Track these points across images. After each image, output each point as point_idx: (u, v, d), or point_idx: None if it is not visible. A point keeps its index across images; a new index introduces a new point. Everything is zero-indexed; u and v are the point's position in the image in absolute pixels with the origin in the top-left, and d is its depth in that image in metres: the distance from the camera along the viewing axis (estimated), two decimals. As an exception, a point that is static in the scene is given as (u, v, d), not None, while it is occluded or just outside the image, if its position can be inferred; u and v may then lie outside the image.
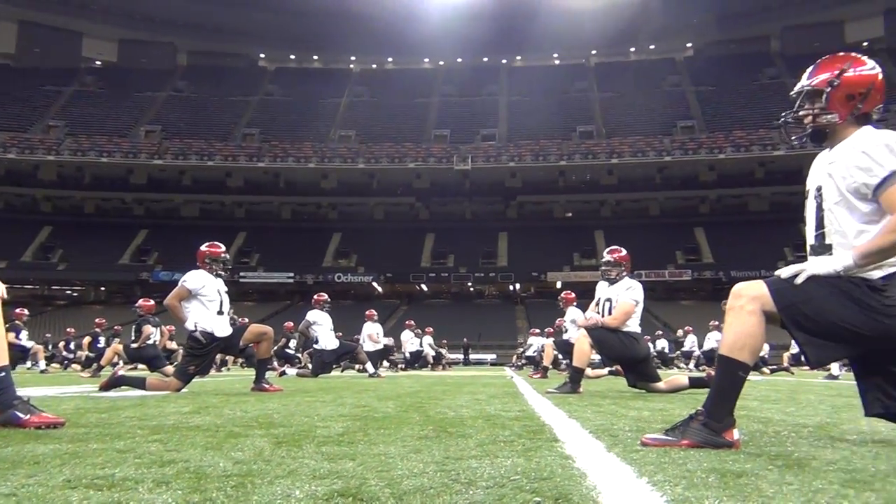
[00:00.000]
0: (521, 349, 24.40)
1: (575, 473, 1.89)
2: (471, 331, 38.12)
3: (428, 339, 21.47)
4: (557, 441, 2.60)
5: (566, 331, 12.39)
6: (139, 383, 6.32)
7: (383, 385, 8.22)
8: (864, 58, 2.70)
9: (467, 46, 60.64)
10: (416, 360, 19.98)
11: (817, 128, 2.68)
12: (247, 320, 14.84)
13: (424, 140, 53.30)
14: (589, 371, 9.95)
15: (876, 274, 2.48)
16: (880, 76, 2.65)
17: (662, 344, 25.35)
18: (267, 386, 6.71)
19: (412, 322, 21.28)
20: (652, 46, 62.12)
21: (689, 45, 62.04)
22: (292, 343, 18.70)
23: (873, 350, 2.51)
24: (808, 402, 5.17)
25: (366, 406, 4.46)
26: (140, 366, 13.01)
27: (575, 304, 12.83)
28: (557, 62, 64.31)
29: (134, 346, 11.84)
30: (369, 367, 12.00)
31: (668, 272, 44.94)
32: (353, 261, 49.51)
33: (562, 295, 13.61)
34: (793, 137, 2.78)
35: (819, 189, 2.65)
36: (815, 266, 2.51)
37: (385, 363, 18.10)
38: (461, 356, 34.10)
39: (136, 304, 12.54)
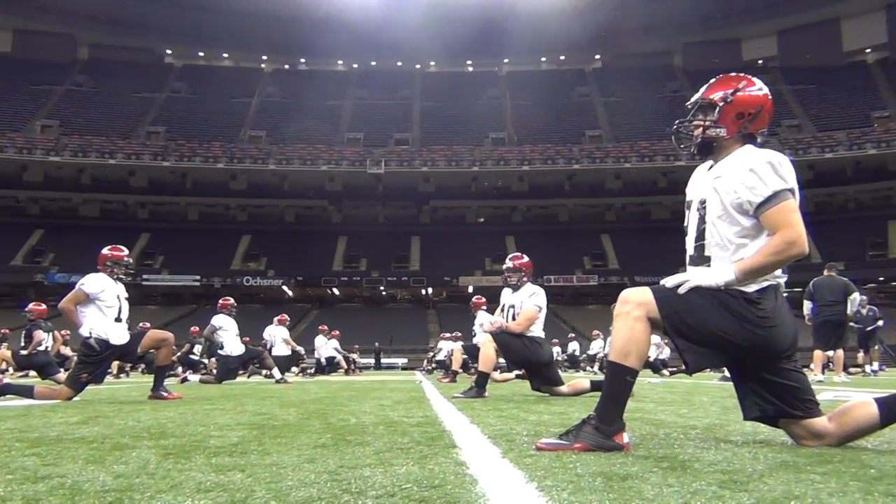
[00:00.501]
0: (432, 353, 24.49)
1: (466, 480, 1.90)
2: (383, 335, 37.99)
3: (334, 344, 21.22)
4: (455, 447, 2.61)
5: (475, 335, 12.51)
6: (27, 392, 6.00)
7: (289, 391, 8.08)
8: (758, 80, 2.83)
9: (382, 50, 60.56)
10: (331, 365, 19.75)
11: (706, 140, 2.78)
12: (149, 325, 14.32)
13: (337, 143, 52.87)
14: (496, 375, 10.07)
15: (752, 287, 2.61)
16: (770, 100, 2.78)
17: (573, 347, 25.97)
18: (165, 394, 6.47)
19: (325, 327, 21.00)
20: (562, 57, 63.65)
21: (597, 57, 63.86)
22: (197, 349, 18.13)
23: (749, 358, 2.64)
24: (701, 403, 5.38)
25: (266, 414, 4.36)
26: (31, 373, 12.34)
27: (484, 308, 12.98)
28: (471, 69, 65.03)
29: (23, 352, 11.24)
30: (276, 372, 11.76)
31: (576, 277, 46.05)
32: (262, 264, 48.54)
33: (473, 300, 13.77)
34: (682, 146, 2.89)
35: (703, 202, 2.76)
36: (699, 277, 2.62)
37: (294, 369, 17.81)
38: (372, 361, 33.91)
39: (27, 308, 11.91)
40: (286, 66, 64.82)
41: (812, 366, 11.62)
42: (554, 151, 49.73)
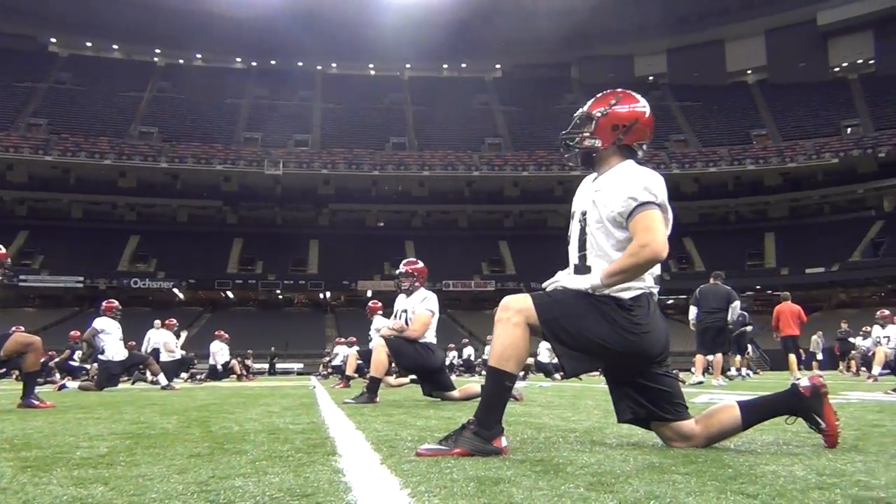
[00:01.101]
0: (328, 359, 24.21)
1: (340, 488, 1.88)
2: (278, 340, 37.25)
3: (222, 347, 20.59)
4: (335, 454, 2.58)
5: (371, 339, 12.45)
6: None
7: (173, 398, 7.79)
8: (638, 96, 2.96)
9: (282, 49, 59.51)
10: (226, 371, 19.16)
11: (583, 150, 2.91)
12: (22, 329, 13.47)
13: (234, 142, 51.50)
14: (391, 380, 10.06)
15: (626, 295, 2.71)
16: (647, 115, 2.91)
17: (469, 351, 26.27)
18: (36, 402, 6.09)
19: (223, 332, 20.36)
20: (464, 65, 64.39)
21: (497, 66, 64.96)
22: (77, 354, 17.20)
23: (623, 363, 2.75)
24: (586, 407, 5.54)
25: (143, 423, 4.18)
26: None
27: (380, 312, 12.94)
28: (373, 72, 64.82)
29: None
30: (162, 378, 11.31)
31: (474, 283, 46.61)
32: (152, 265, 46.61)
33: (369, 304, 13.71)
34: (566, 156, 3.00)
35: (584, 213, 2.86)
36: (568, 280, 2.74)
37: (184, 375, 17.20)
38: (267, 366, 33.19)
39: None
40: (180, 61, 62.61)
41: (693, 368, 12.21)
42: (454, 158, 50.22)
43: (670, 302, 49.01)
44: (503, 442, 2.54)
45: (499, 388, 2.62)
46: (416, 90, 60.26)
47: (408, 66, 63.68)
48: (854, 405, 5.55)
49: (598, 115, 2.88)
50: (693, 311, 11.57)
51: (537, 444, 2.90)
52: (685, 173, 49.12)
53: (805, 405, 2.74)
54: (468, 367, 25.04)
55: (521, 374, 11.44)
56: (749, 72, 59.30)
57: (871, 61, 55.51)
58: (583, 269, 2.82)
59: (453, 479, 1.98)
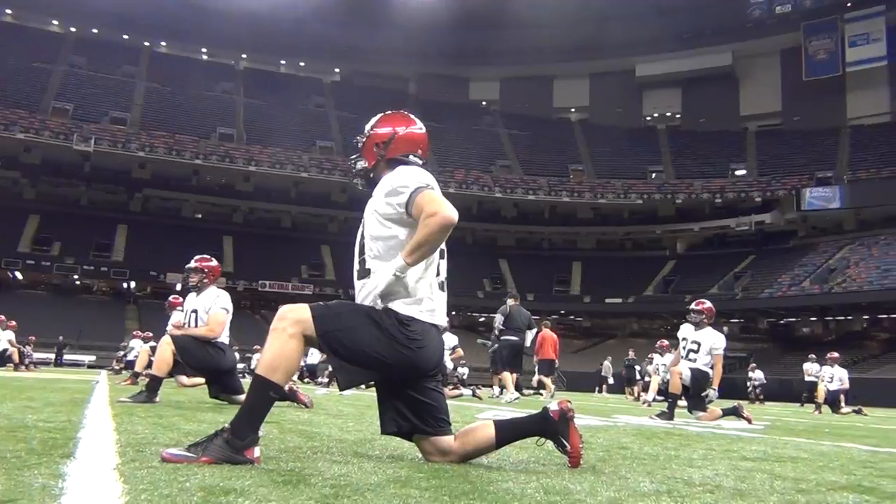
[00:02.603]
0: (122, 352, 22.74)
1: (49, 494, 1.75)
2: (71, 328, 34.39)
3: (9, 335, 18.77)
4: (69, 457, 2.40)
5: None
6: None
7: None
8: (404, 114, 3.12)
9: (106, 18, 55.46)
10: (2, 359, 17.40)
11: (357, 172, 3.07)
12: None
13: (41, 110, 47.14)
14: (185, 379, 9.64)
15: (403, 310, 2.77)
16: (406, 129, 3.05)
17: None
18: None
19: (2, 317, 18.47)
20: (302, 63, 63.26)
21: (337, 70, 64.50)
22: None
23: (396, 376, 2.80)
24: (373, 417, 5.57)
25: None
26: None
27: (180, 308, 12.31)
28: (206, 57, 62.03)
29: None
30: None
31: (292, 285, 45.72)
32: (-74, 236, 41.50)
33: (170, 298, 13.05)
34: (353, 181, 3.11)
35: (363, 222, 2.92)
36: (378, 279, 2.76)
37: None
38: (53, 356, 30.50)
39: None
40: (-14, 15, 56.59)
41: (499, 385, 12.66)
42: (283, 156, 49.13)
43: (482, 319, 50.86)
44: (256, 452, 2.49)
45: (262, 398, 2.58)
46: (251, 82, 58.36)
47: (244, 56, 61.61)
48: (616, 429, 6.01)
49: (363, 139, 3.05)
50: (497, 327, 11.92)
51: (297, 454, 2.87)
52: (507, 198, 51.30)
53: (553, 428, 2.92)
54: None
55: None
56: (573, 110, 63.08)
57: (678, 115, 61.07)
58: (363, 273, 2.86)
59: (183, 489, 1.90)
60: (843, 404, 16.07)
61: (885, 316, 41.66)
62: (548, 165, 54.91)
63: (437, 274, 2.90)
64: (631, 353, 24.25)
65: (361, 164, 3.05)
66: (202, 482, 2.02)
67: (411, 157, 3.02)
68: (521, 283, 44.46)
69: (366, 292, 2.83)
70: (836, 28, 52.33)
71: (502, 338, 11.89)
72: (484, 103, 63.17)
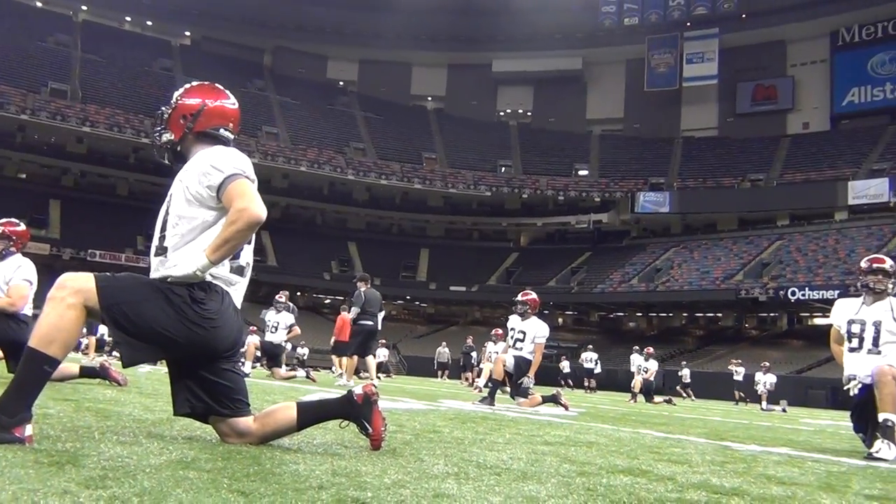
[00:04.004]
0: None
1: None
2: None
3: None
4: None
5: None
6: None
7: None
8: (213, 85, 3.03)
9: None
10: None
11: (162, 145, 2.95)
12: None
13: None
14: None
15: (197, 289, 2.67)
16: (213, 103, 2.96)
17: (103, 330, 24.16)
18: None
19: None
20: (149, 22, 59.55)
21: (188, 33, 61.27)
22: None
23: (188, 356, 2.70)
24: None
25: None
26: None
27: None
28: (39, 4, 56.91)
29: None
30: None
31: (126, 256, 43.07)
32: None
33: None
34: (158, 156, 2.97)
35: (170, 196, 2.80)
36: (175, 272, 2.64)
37: None
38: None
39: None
40: None
41: (341, 369, 12.52)
42: (123, 119, 46.04)
43: (328, 301, 50.42)
44: (27, 431, 2.33)
45: (35, 372, 2.41)
46: (89, 37, 54.11)
47: (83, 7, 57.11)
48: (437, 413, 6.15)
49: (168, 110, 2.93)
50: (354, 312, 11.63)
51: (82, 434, 2.71)
52: (360, 181, 51.02)
53: (356, 411, 2.94)
54: (100, 346, 23.05)
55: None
56: (429, 98, 63.60)
57: (529, 113, 63.16)
58: (161, 250, 2.75)
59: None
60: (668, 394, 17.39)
61: (701, 314, 45.48)
62: (402, 151, 55.14)
63: (237, 258, 2.82)
64: (469, 340, 24.94)
65: (167, 137, 2.92)
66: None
67: (222, 130, 2.93)
68: (369, 267, 44.40)
69: (160, 275, 2.70)
70: (676, 44, 56.09)
71: (359, 322, 11.62)
72: (341, 83, 62.35)
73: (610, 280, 45.10)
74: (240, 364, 2.93)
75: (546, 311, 44.78)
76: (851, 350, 5.07)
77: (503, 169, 55.36)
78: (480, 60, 59.82)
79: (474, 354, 23.49)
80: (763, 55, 54.21)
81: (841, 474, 3.51)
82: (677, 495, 2.43)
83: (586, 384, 26.62)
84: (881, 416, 4.57)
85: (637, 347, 20.23)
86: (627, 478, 2.78)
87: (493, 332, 16.53)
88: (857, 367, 4.98)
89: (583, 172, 54.56)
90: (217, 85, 3.02)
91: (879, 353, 4.88)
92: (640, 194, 49.61)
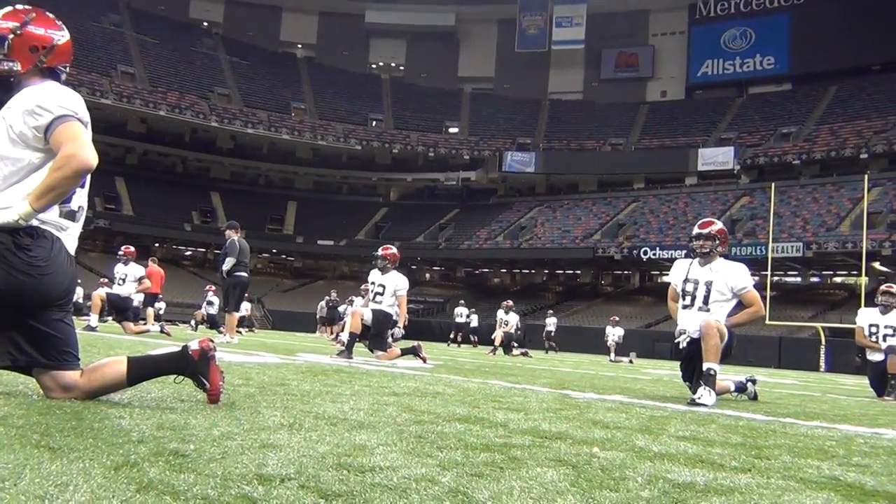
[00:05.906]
0: None
1: None
2: None
3: None
4: None
5: None
6: None
7: None
8: (50, 16, 2.79)
9: None
10: None
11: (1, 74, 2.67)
12: None
13: None
14: None
15: (23, 235, 2.52)
16: (62, 39, 2.77)
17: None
18: None
19: None
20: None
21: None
22: None
23: (12, 304, 2.54)
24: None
25: None
26: None
27: None
28: None
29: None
30: None
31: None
32: None
33: None
34: None
35: None
36: None
37: None
38: None
39: None
40: None
41: (224, 328, 12.07)
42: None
43: (188, 253, 48.52)
44: None
45: None
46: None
47: None
48: (290, 366, 6.09)
49: (11, 35, 2.66)
50: (229, 263, 11.09)
51: None
52: (224, 128, 48.96)
53: (192, 367, 2.88)
54: None
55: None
56: (300, 46, 61.64)
57: (402, 67, 62.66)
58: None
59: None
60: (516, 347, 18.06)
61: (561, 272, 47.46)
62: (269, 100, 53.31)
63: (68, 202, 2.67)
64: (333, 294, 24.82)
65: (12, 67, 2.66)
66: None
67: (65, 70, 2.77)
68: (234, 219, 42.67)
69: None
70: (546, 7, 57.18)
71: (235, 273, 11.10)
72: (205, 24, 59.23)
73: (476, 237, 46.06)
74: (79, 316, 2.79)
75: (413, 267, 45.37)
76: (684, 307, 5.48)
77: (374, 123, 54.83)
78: (353, 10, 58.64)
79: (341, 308, 23.43)
80: (627, 23, 56.31)
81: (662, 418, 3.79)
82: (504, 441, 2.54)
83: (459, 338, 26.59)
84: (705, 366, 4.99)
85: (504, 303, 20.80)
86: (462, 425, 2.88)
87: (362, 287, 16.52)
88: (687, 322, 5.40)
89: (453, 130, 54.96)
90: (51, 16, 2.78)
91: (709, 310, 5.30)
92: (507, 154, 50.70)
